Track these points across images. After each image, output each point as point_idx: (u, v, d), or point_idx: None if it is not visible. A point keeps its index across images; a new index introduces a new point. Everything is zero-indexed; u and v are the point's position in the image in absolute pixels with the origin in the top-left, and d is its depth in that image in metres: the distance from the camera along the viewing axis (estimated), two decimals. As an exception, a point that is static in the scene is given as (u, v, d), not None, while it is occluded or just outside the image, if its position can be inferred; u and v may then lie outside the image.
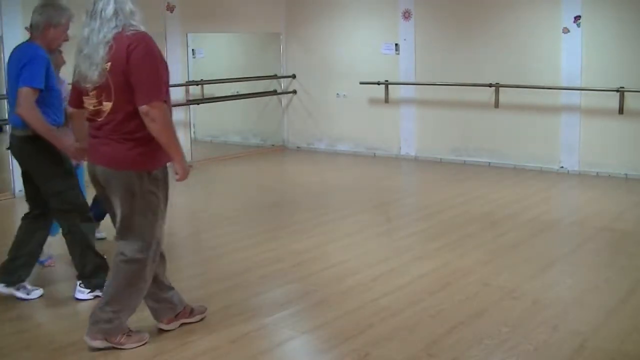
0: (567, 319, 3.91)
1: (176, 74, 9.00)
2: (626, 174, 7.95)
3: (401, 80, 9.47)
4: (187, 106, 9.33)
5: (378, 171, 8.83)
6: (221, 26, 9.66)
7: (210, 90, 10.19)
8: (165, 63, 3.43)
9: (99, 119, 3.40)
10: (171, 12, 8.85)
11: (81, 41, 3.41)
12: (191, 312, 3.87)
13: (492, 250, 5.26)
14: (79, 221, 4.23)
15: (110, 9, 3.32)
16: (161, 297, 3.76)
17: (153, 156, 3.40)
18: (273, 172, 9.20)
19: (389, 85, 9.55)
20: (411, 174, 8.91)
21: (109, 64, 3.29)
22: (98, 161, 3.46)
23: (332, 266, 4.92)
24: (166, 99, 3.38)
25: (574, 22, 8.04)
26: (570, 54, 8.12)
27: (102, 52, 3.30)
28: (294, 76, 10.48)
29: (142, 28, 3.41)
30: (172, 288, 3.84)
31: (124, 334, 3.56)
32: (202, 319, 3.89)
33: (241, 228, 6.06)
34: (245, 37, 10.71)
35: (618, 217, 6.24)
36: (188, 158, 9.13)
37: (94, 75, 3.31)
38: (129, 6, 3.38)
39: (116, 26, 3.31)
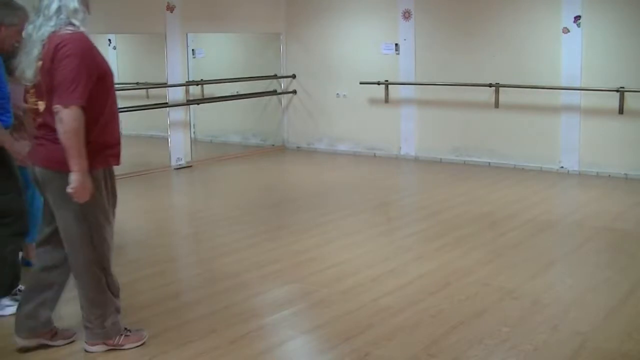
0: (567, 319, 3.91)
1: (176, 74, 9.01)
2: (626, 174, 7.95)
3: (401, 80, 9.47)
4: (187, 106, 9.33)
5: (378, 171, 8.83)
6: (221, 26, 9.65)
7: (210, 90, 10.19)
8: (99, 68, 3.29)
9: (38, 119, 3.35)
10: (171, 12, 8.85)
11: (25, 37, 3.34)
12: (54, 335, 3.61)
13: (492, 250, 5.26)
14: (5, 231, 3.93)
15: (54, 6, 3.22)
16: (37, 308, 3.52)
17: (90, 157, 3.24)
18: (273, 172, 9.20)
19: (389, 85, 9.54)
20: (411, 174, 8.91)
21: (40, 62, 3.23)
22: (35, 161, 3.39)
23: (332, 266, 4.92)
24: (104, 104, 3.31)
25: (574, 22, 8.04)
26: (570, 54, 8.12)
27: (37, 50, 3.23)
28: (294, 76, 10.48)
29: (83, 29, 3.28)
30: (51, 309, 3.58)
31: (121, 335, 3.55)
32: (68, 343, 3.63)
33: (241, 228, 6.06)
34: (245, 37, 10.71)
35: (618, 217, 6.24)
36: (188, 158, 9.18)
37: (29, 73, 3.26)
38: (73, 4, 3.25)
39: (55, 24, 3.22)
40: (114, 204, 3.53)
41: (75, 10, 3.26)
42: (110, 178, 3.46)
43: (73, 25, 3.25)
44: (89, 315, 3.49)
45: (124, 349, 3.54)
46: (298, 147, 10.57)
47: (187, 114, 9.36)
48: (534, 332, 3.72)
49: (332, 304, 4.20)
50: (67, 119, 3.14)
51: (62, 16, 3.23)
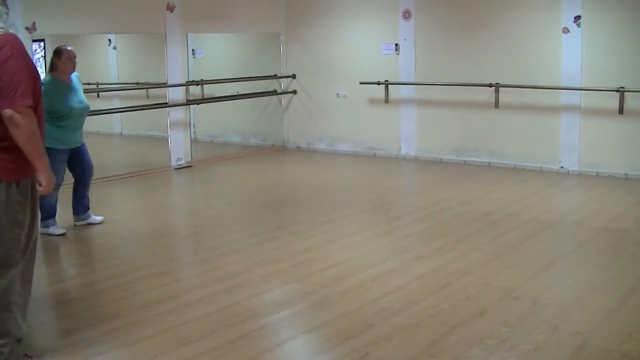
0: (567, 319, 3.91)
1: (176, 74, 9.01)
2: (626, 174, 7.95)
3: (401, 80, 9.47)
4: (187, 106, 9.33)
5: (378, 171, 8.83)
6: (221, 26, 9.66)
7: (210, 90, 10.19)
8: (35, 69, 3.24)
9: None
10: (171, 12, 8.85)
11: None
12: None
13: (492, 250, 5.26)
14: None
15: None
16: None
17: (24, 165, 3.16)
18: (273, 172, 9.20)
19: (389, 85, 9.54)
20: (411, 174, 8.91)
21: None
22: None
23: (332, 266, 4.92)
24: (36, 107, 3.18)
25: (574, 22, 8.04)
26: (570, 54, 8.12)
27: None
28: (294, 76, 10.48)
29: (11, 30, 3.20)
30: (10, 311, 3.25)
31: None
32: None
33: (241, 228, 6.06)
34: (245, 37, 10.71)
35: (618, 217, 6.24)
36: (188, 158, 9.18)
37: None
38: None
39: None
40: (32, 214, 3.32)
41: (1, 14, 3.19)
42: (34, 188, 3.29)
43: (1, 27, 3.15)
44: None
45: None
46: (298, 147, 10.57)
47: (187, 114, 9.36)
48: (534, 332, 3.72)
49: (332, 304, 4.20)
50: (23, 122, 3.06)
51: None
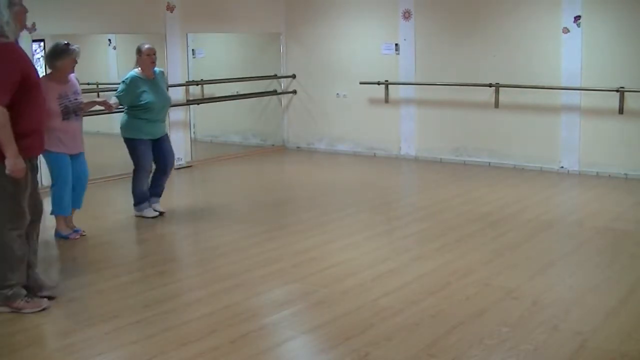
0: (567, 319, 3.91)
1: (176, 74, 9.01)
2: (626, 174, 7.95)
3: (401, 80, 9.47)
4: (187, 106, 9.33)
5: (378, 171, 8.83)
6: (221, 26, 9.65)
7: (210, 90, 10.18)
8: (27, 73, 3.94)
9: None
10: (171, 12, 8.85)
11: None
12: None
13: (492, 250, 5.26)
14: None
15: None
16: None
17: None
18: (273, 172, 9.20)
19: (389, 85, 9.54)
20: (411, 174, 8.91)
21: None
22: None
23: (332, 266, 4.92)
24: (34, 104, 4.00)
25: (574, 22, 8.04)
26: (570, 54, 8.12)
27: None
28: (294, 76, 10.47)
29: (12, 39, 3.92)
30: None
31: (22, 300, 4.07)
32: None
33: (241, 228, 6.06)
34: (245, 37, 10.71)
35: (618, 217, 6.24)
36: (188, 158, 9.18)
37: None
38: (5, 17, 3.86)
39: None
40: (26, 188, 4.09)
41: (8, 22, 3.88)
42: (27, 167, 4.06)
43: (3, 36, 3.86)
44: None
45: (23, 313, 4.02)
46: (298, 147, 10.57)
47: (187, 114, 9.36)
48: (534, 332, 3.72)
49: (332, 304, 4.20)
50: None
51: None
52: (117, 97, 6.20)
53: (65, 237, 5.64)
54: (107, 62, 10.44)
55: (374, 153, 9.83)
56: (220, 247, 5.46)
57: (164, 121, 6.48)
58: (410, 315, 3.99)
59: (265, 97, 10.62)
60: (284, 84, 10.60)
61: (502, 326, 3.80)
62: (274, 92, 10.56)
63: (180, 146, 9.12)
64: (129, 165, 6.41)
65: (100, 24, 8.21)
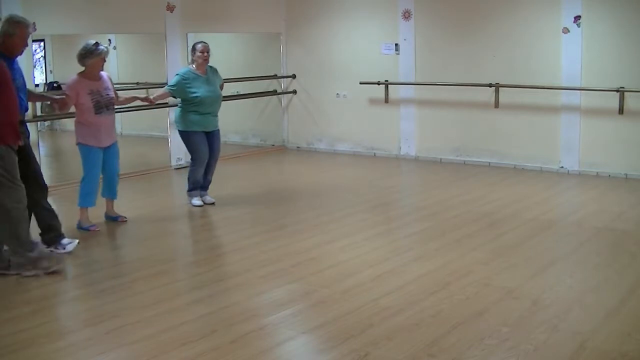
0: (567, 319, 3.91)
1: (176, 74, 9.00)
2: (626, 174, 7.95)
3: (401, 80, 9.47)
4: (187, 106, 9.31)
5: (378, 171, 8.83)
6: (221, 26, 9.65)
7: (210, 90, 10.17)
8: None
9: None
10: (171, 12, 8.85)
11: None
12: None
13: (492, 250, 5.26)
14: None
15: None
16: None
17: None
18: (273, 172, 9.20)
19: (389, 85, 9.55)
20: (411, 174, 8.91)
21: None
22: None
23: (332, 266, 4.93)
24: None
25: (574, 22, 8.04)
26: (570, 54, 8.12)
27: None
28: (294, 76, 10.48)
29: None
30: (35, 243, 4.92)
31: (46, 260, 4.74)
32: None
33: (241, 228, 6.06)
34: (245, 37, 10.71)
35: (618, 217, 6.24)
36: (188, 158, 9.15)
37: None
38: None
39: None
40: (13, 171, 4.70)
41: None
42: (10, 153, 4.65)
43: None
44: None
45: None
46: (298, 147, 10.58)
47: (187, 114, 9.34)
48: (534, 332, 3.72)
49: (332, 304, 4.20)
50: None
51: None
52: (168, 88, 6.71)
53: (87, 229, 5.90)
54: (107, 62, 10.41)
55: (374, 153, 9.83)
56: (220, 247, 5.47)
57: (216, 115, 6.78)
58: (410, 315, 3.99)
59: (265, 97, 10.62)
60: (284, 84, 10.60)
61: (502, 326, 3.80)
62: (274, 92, 10.56)
63: (180, 146, 9.11)
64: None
65: (100, 24, 8.20)
